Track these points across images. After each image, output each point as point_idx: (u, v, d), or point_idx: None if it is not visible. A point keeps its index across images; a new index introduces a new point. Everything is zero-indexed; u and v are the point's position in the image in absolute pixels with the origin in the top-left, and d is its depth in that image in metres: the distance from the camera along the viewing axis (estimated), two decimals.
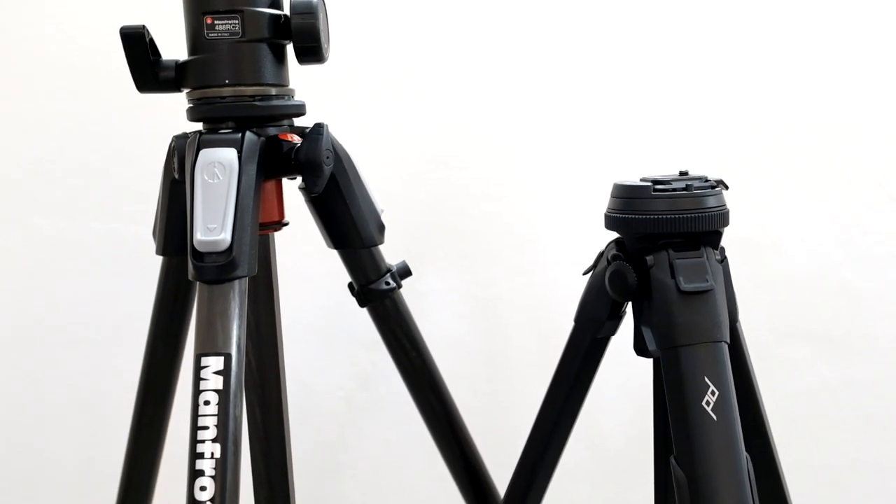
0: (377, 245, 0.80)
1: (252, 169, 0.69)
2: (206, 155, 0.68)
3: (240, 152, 0.69)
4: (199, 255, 0.66)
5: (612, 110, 1.19)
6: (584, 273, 0.77)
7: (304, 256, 1.14)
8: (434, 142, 1.21)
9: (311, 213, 0.79)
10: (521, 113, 1.20)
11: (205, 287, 0.66)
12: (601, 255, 0.76)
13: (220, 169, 0.68)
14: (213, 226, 0.66)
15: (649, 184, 0.71)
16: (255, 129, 0.71)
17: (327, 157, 0.72)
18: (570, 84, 1.19)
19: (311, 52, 0.72)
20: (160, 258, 0.81)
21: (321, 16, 0.72)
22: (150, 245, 1.20)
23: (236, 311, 0.66)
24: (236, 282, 0.66)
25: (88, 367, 1.25)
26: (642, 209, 0.70)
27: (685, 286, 0.68)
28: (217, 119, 0.73)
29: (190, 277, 0.67)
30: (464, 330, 1.24)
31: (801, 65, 1.15)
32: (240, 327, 0.66)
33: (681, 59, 1.17)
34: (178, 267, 0.80)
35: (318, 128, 0.72)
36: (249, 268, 0.67)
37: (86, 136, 1.21)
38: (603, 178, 1.18)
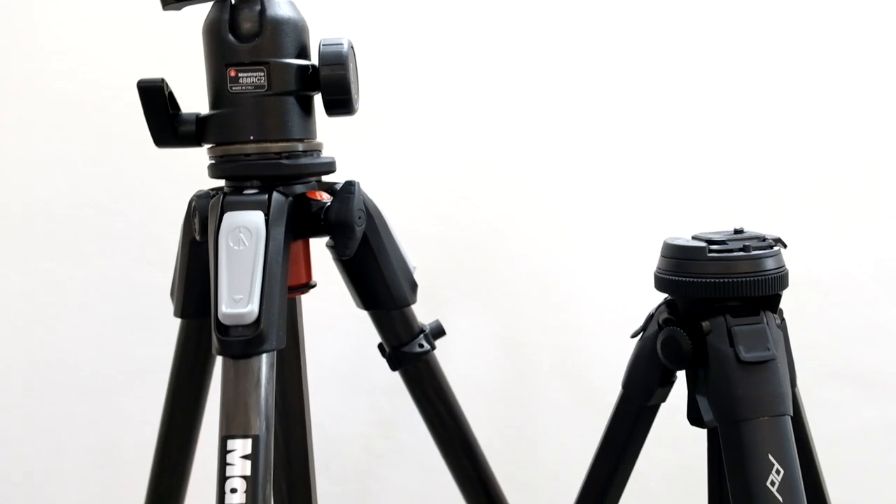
0: (410, 305, 0.76)
1: (280, 232, 0.64)
2: (231, 219, 0.64)
3: (267, 215, 0.64)
4: (223, 329, 0.61)
5: (648, 148, 1.14)
6: (633, 336, 0.72)
7: (321, 299, 1.10)
8: (459, 179, 1.17)
9: (340, 272, 0.75)
10: (548, 149, 1.16)
11: (230, 362, 0.62)
12: (651, 317, 0.71)
13: (245, 234, 0.63)
14: (239, 297, 0.61)
15: (704, 244, 0.66)
16: (281, 189, 0.67)
17: (359, 218, 0.67)
18: (605, 120, 1.14)
19: (342, 104, 0.68)
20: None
21: (351, 66, 0.68)
22: (164, 288, 1.17)
23: (264, 387, 0.62)
24: (264, 356, 0.62)
25: (101, 414, 1.20)
26: (697, 272, 0.66)
27: (745, 356, 0.63)
28: (241, 177, 0.68)
29: (214, 352, 0.62)
30: (489, 371, 1.19)
31: (830, 101, 1.11)
32: (268, 405, 0.62)
33: (721, 102, 1.13)
34: (199, 330, 0.76)
35: (350, 186, 0.67)
36: (278, 340, 0.62)
37: (96, 177, 1.17)
38: (637, 217, 1.15)
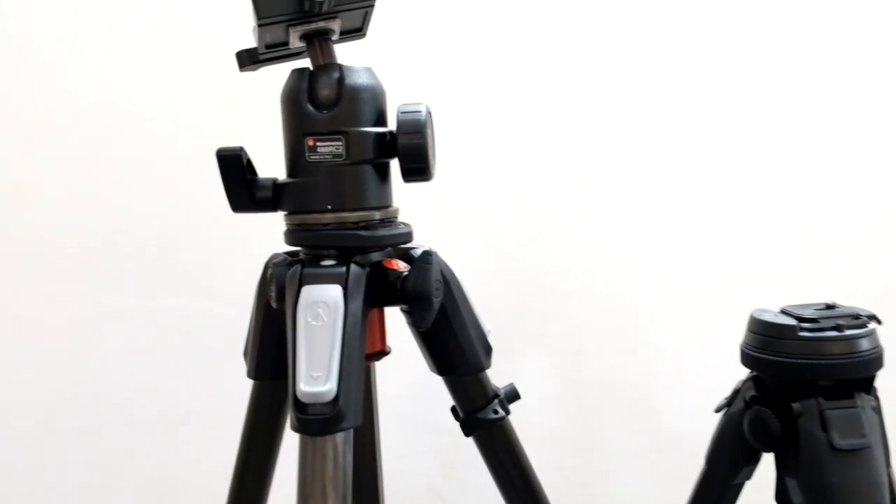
0: (485, 370, 0.74)
1: (357, 305, 0.64)
2: (309, 293, 0.63)
3: (345, 288, 0.63)
4: (301, 407, 0.60)
5: (736, 199, 1.12)
6: (717, 410, 0.70)
7: None
8: (523, 215, 1.15)
9: (413, 336, 0.74)
10: (622, 186, 1.13)
11: (308, 439, 0.61)
12: (736, 392, 0.68)
13: (324, 309, 0.63)
14: (317, 374, 0.61)
15: (794, 322, 0.63)
16: (358, 259, 0.66)
17: (436, 289, 0.66)
18: (688, 164, 1.12)
19: (419, 172, 0.67)
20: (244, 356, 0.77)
21: (429, 132, 0.67)
22: (222, 322, 1.18)
23: (341, 464, 0.61)
24: (342, 433, 0.61)
25: (157, 448, 1.21)
26: (787, 351, 0.63)
27: (839, 443, 0.61)
28: (318, 246, 0.67)
29: (292, 428, 0.62)
30: (554, 414, 1.17)
31: None
32: (345, 482, 0.61)
33: (818, 167, 1.09)
34: (272, 391, 0.75)
35: (427, 257, 0.66)
36: (356, 417, 0.61)
37: (160, 212, 1.18)
38: (720, 265, 1.11)
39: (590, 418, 1.17)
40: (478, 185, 1.15)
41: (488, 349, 0.74)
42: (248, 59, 0.74)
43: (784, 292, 1.05)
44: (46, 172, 1.15)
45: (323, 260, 0.66)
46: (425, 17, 1.13)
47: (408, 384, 1.17)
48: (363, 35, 0.74)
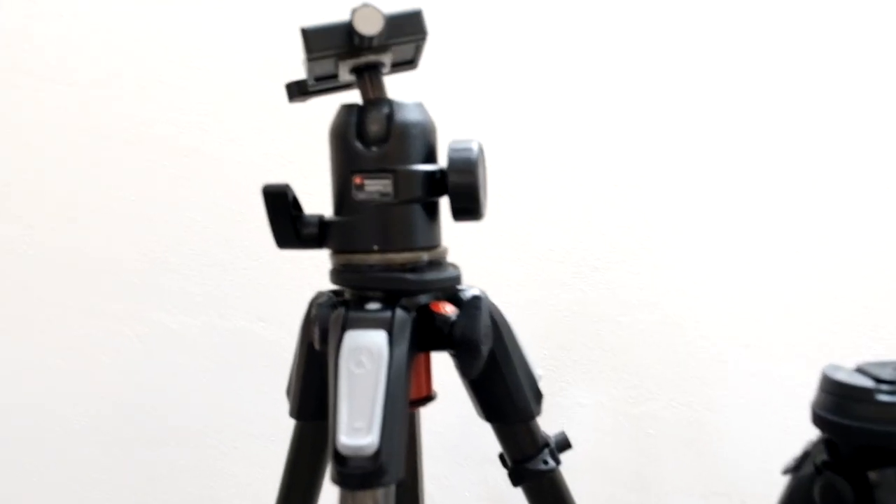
0: (535, 418, 0.71)
1: (402, 352, 0.61)
2: (353, 339, 0.61)
3: (390, 333, 0.61)
4: (341, 460, 0.58)
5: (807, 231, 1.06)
6: (784, 473, 0.65)
7: None
8: (579, 242, 1.12)
9: (461, 380, 0.71)
10: (675, 209, 1.09)
11: (348, 493, 0.59)
12: (806, 454, 0.64)
13: (367, 357, 0.60)
14: (359, 425, 0.58)
15: (871, 383, 0.59)
16: (405, 302, 0.63)
17: (486, 336, 0.63)
18: (741, 184, 1.07)
19: (470, 212, 0.64)
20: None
21: (480, 170, 0.64)
22: (276, 343, 1.17)
23: None
24: (383, 488, 0.58)
25: (207, 470, 1.20)
26: (864, 416, 0.58)
27: None
28: (363, 288, 0.65)
29: (332, 481, 0.59)
30: (610, 450, 1.13)
31: None
32: None
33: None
34: (314, 433, 0.73)
35: (476, 302, 0.63)
36: (399, 472, 0.59)
37: (211, 228, 1.17)
38: (780, 290, 1.06)
39: (645, 454, 1.12)
40: (530, 212, 1.12)
41: (539, 395, 0.71)
42: (297, 91, 0.72)
43: (860, 337, 1.00)
44: (100, 188, 1.16)
45: (368, 303, 0.64)
46: (475, 47, 1.10)
47: (452, 414, 1.14)
48: (415, 67, 0.71)
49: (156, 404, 1.20)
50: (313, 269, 1.13)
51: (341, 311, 0.63)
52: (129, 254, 1.18)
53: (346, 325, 0.62)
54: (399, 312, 0.62)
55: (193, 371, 1.19)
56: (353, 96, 0.71)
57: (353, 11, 0.61)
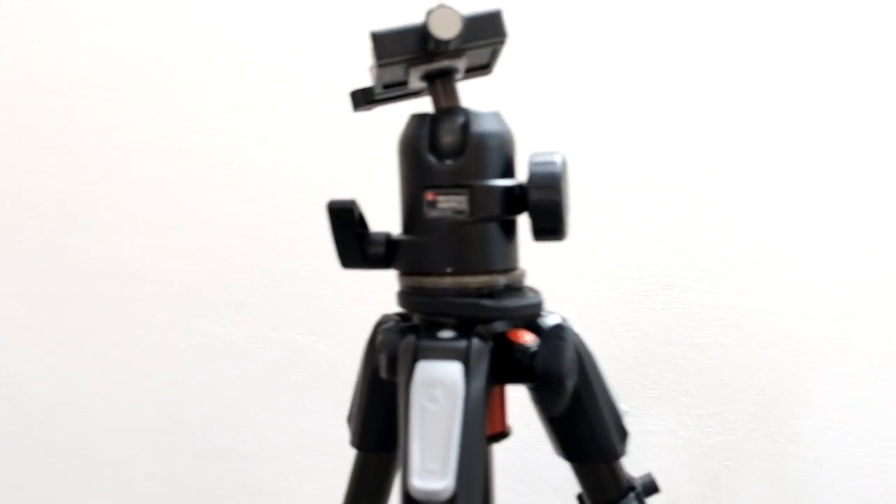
0: (619, 458, 0.65)
1: (479, 385, 0.55)
2: (425, 371, 0.55)
3: (466, 365, 0.55)
4: None
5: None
6: None
7: None
8: (651, 256, 1.05)
9: (538, 414, 0.65)
10: (759, 220, 1.02)
11: None
12: None
13: (442, 391, 0.55)
14: (432, 466, 0.53)
15: None
16: (481, 330, 0.58)
17: (571, 370, 0.57)
18: (835, 200, 1.00)
19: (552, 231, 0.58)
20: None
21: (564, 186, 0.58)
22: (329, 358, 1.12)
23: None
24: None
25: (257, 486, 1.16)
26: None
27: None
28: (435, 313, 0.60)
29: None
30: (684, 484, 1.06)
31: None
32: None
33: None
34: (378, 465, 0.68)
35: (560, 331, 0.58)
36: None
37: (266, 243, 1.13)
38: (874, 313, 0.98)
39: (721, 489, 1.05)
40: (598, 224, 1.05)
41: (624, 434, 0.65)
42: (362, 100, 0.67)
43: None
44: (152, 199, 1.13)
45: (440, 330, 0.58)
46: (555, 49, 1.05)
47: (511, 438, 1.08)
48: (489, 72, 0.66)
49: (199, 419, 1.17)
50: (367, 282, 1.09)
51: (412, 338, 0.57)
52: (183, 268, 1.15)
53: (417, 355, 0.56)
54: (475, 342, 0.56)
55: (243, 384, 1.15)
56: (424, 105, 0.67)
57: (429, 13, 0.55)
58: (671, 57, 1.04)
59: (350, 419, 0.70)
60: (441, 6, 0.56)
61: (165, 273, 1.13)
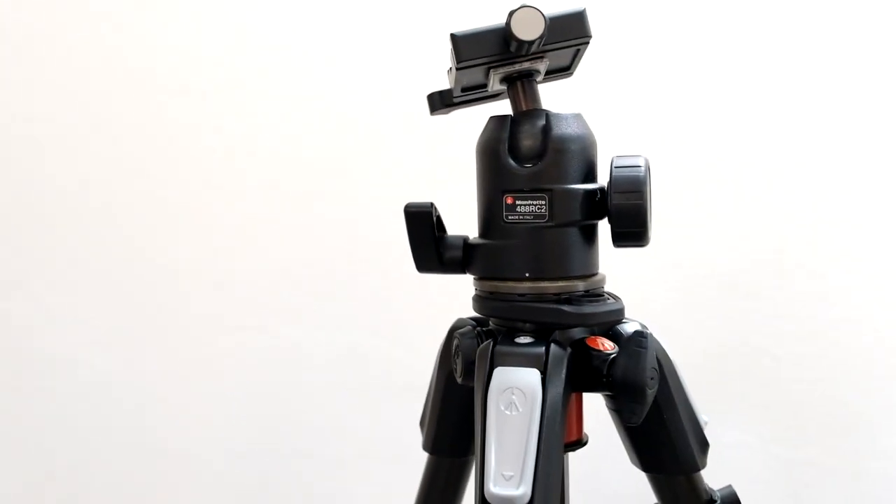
0: (699, 470, 0.63)
1: (557, 393, 0.54)
2: (503, 376, 0.55)
3: (543, 372, 0.55)
4: None
5: None
6: None
7: None
8: (730, 261, 1.02)
9: (615, 424, 0.64)
10: (847, 224, 0.98)
11: None
12: None
13: (519, 397, 0.54)
14: (509, 474, 0.52)
15: None
16: (558, 336, 0.57)
17: (651, 379, 0.56)
18: None
19: (634, 237, 0.57)
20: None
21: (647, 191, 0.57)
22: (392, 361, 1.12)
23: None
24: None
25: (326, 489, 1.17)
26: None
27: None
28: (512, 319, 0.59)
29: None
30: (760, 498, 1.03)
31: None
32: None
33: None
34: (449, 470, 0.68)
35: (640, 338, 0.56)
36: None
37: (337, 244, 1.13)
38: None
39: (804, 501, 1.02)
40: (673, 228, 1.03)
41: (704, 445, 0.63)
42: (440, 103, 0.67)
43: None
44: (225, 200, 1.14)
45: (517, 336, 0.57)
46: (632, 49, 1.03)
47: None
48: (570, 74, 0.65)
49: (269, 421, 1.18)
50: (441, 290, 1.09)
51: (489, 344, 0.57)
52: (253, 264, 1.16)
53: (494, 361, 0.56)
54: (554, 349, 0.56)
55: (310, 388, 1.16)
56: (502, 107, 0.66)
57: (511, 14, 0.55)
58: (754, 55, 1.01)
59: (423, 423, 0.70)
60: (524, 6, 0.55)
61: (242, 275, 1.15)
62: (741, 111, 1.01)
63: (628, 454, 0.65)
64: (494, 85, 0.62)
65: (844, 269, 0.99)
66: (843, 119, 0.99)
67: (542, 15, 0.55)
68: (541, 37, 0.55)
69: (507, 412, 0.54)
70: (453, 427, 0.67)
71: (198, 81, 1.14)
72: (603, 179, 0.59)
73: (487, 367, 0.56)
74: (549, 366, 0.55)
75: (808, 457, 1.01)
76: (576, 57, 0.61)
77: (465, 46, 0.57)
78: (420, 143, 1.09)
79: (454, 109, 0.67)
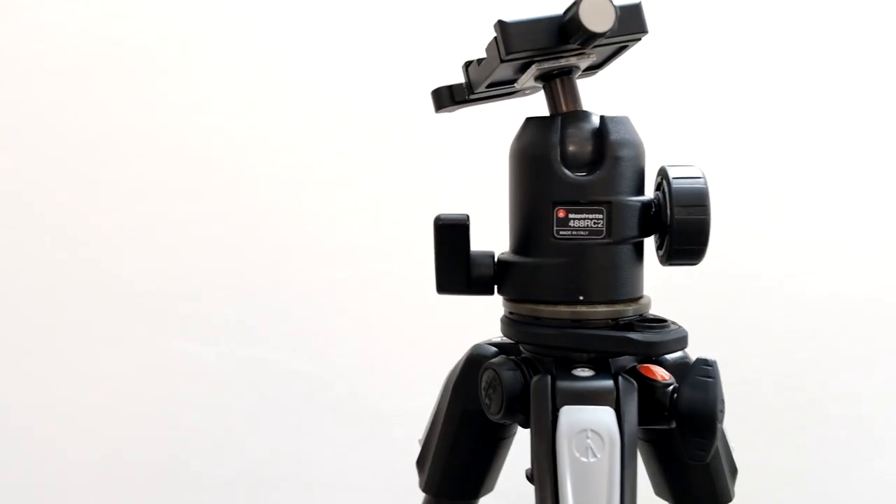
0: (731, 500, 0.59)
1: (633, 431, 0.48)
2: (573, 417, 0.48)
3: (618, 411, 0.48)
4: None
5: None
6: None
7: None
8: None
9: (640, 454, 0.59)
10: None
11: None
12: None
13: (595, 441, 0.47)
14: None
15: None
16: (617, 368, 0.51)
17: (721, 412, 0.51)
18: None
19: (693, 255, 0.52)
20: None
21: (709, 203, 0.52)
22: (303, 378, 1.02)
23: None
24: None
25: None
26: None
27: None
28: (566, 349, 0.52)
29: None
30: None
31: None
32: None
33: None
34: None
35: (707, 367, 0.51)
36: None
37: (242, 251, 1.01)
38: None
39: None
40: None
41: (734, 472, 0.60)
42: (449, 99, 0.58)
43: None
44: (115, 206, 0.99)
45: (574, 367, 0.51)
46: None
47: None
48: (595, 72, 0.59)
49: (163, 440, 1.03)
50: (346, 295, 1.00)
51: (545, 379, 0.49)
52: (146, 275, 1.01)
53: (558, 398, 0.49)
54: (623, 383, 0.49)
55: (207, 405, 1.03)
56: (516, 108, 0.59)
57: (579, 3, 0.48)
58: (757, 62, 0.98)
59: (423, 464, 0.61)
60: None
61: (130, 285, 1.00)
62: (730, 120, 0.99)
63: (655, 487, 0.60)
64: (528, 81, 0.54)
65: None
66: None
67: (613, 5, 0.48)
68: (611, 29, 0.48)
69: (584, 459, 0.47)
70: (464, 468, 0.59)
71: (92, 71, 0.97)
72: (649, 191, 0.54)
73: (550, 405, 0.49)
74: (622, 403, 0.48)
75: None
76: (616, 54, 0.55)
77: (517, 36, 0.49)
78: (316, 142, 0.99)
79: (463, 108, 0.59)
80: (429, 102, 0.60)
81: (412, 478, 0.63)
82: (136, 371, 1.02)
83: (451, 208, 0.55)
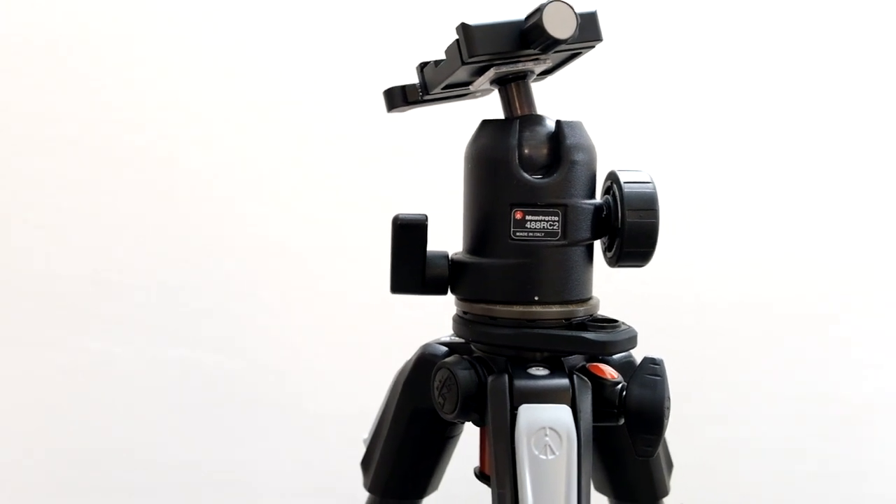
0: (668, 494, 0.62)
1: (588, 429, 0.49)
2: (532, 415, 0.48)
3: (574, 408, 0.49)
4: None
5: None
6: None
7: None
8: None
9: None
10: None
11: None
12: None
13: (553, 439, 0.48)
14: None
15: None
16: (568, 367, 0.52)
17: (668, 409, 0.53)
18: None
19: (641, 257, 0.53)
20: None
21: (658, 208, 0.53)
22: (229, 378, 0.99)
23: None
24: None
25: None
26: None
27: None
28: (521, 348, 0.53)
29: None
30: None
31: None
32: None
33: None
34: None
35: (655, 366, 0.53)
36: None
37: (161, 246, 0.98)
38: None
39: None
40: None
41: (671, 467, 0.62)
42: (402, 99, 0.58)
43: None
44: (32, 198, 0.94)
45: (529, 366, 0.52)
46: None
47: None
48: (545, 77, 0.60)
49: (76, 448, 0.98)
50: (269, 289, 0.98)
51: (503, 378, 0.50)
52: (61, 273, 0.96)
53: (516, 397, 0.49)
54: (577, 381, 0.51)
55: (125, 408, 0.99)
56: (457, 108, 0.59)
57: (543, 9, 0.48)
58: (749, 62, 0.99)
59: (368, 464, 0.61)
60: (554, 1, 0.49)
61: (45, 283, 0.95)
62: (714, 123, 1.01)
63: (596, 483, 0.61)
64: (483, 84, 0.55)
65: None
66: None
67: (575, 12, 0.50)
68: (572, 36, 0.50)
69: (543, 456, 0.48)
70: (411, 468, 0.59)
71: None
72: (598, 196, 0.55)
73: (507, 404, 0.49)
74: (577, 401, 0.50)
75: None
76: (567, 61, 0.57)
77: (480, 39, 0.50)
78: (246, 138, 0.97)
79: (415, 108, 0.59)
80: (380, 102, 0.60)
81: (351, 479, 0.63)
82: (50, 373, 0.97)
83: (401, 209, 0.55)
